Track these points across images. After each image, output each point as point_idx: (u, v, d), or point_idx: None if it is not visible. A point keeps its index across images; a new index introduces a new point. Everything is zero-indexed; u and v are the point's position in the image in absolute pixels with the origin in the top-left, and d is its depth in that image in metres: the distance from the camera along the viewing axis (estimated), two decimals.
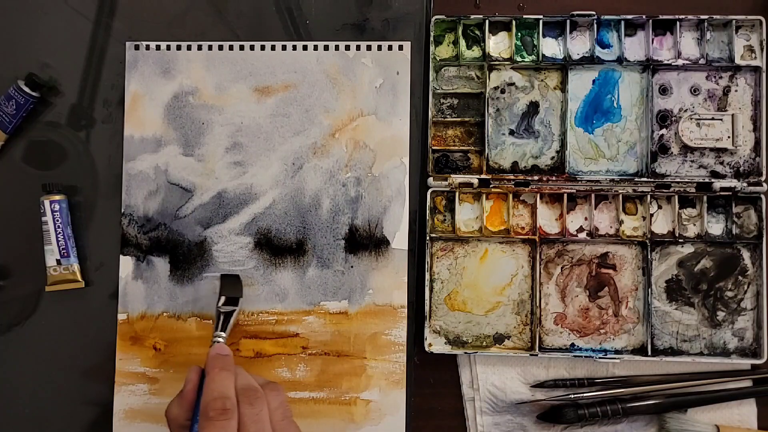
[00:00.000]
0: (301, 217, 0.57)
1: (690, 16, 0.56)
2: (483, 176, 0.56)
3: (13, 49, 0.59)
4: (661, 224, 0.56)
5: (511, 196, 0.56)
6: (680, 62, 0.56)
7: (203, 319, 0.57)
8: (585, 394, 0.54)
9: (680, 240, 0.56)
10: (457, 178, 0.56)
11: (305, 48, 0.57)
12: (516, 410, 0.56)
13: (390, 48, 0.57)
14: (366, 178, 0.57)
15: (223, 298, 0.54)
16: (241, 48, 0.58)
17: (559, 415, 0.54)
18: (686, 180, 0.56)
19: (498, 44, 0.57)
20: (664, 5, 0.57)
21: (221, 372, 0.47)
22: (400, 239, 0.56)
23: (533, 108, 0.57)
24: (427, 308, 0.55)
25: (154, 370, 0.57)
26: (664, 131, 0.56)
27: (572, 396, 0.54)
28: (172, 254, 0.57)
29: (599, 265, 0.56)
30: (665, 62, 0.56)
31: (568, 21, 0.56)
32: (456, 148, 0.57)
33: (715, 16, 0.56)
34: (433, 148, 0.57)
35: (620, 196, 0.56)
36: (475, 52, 0.57)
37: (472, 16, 0.56)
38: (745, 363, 0.55)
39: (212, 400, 0.45)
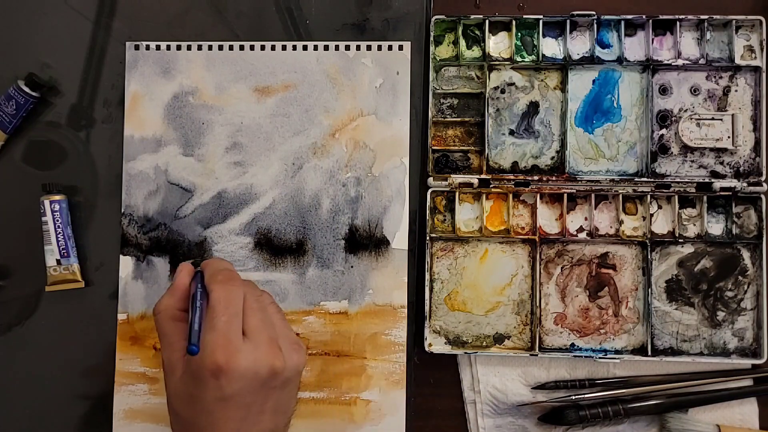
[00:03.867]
0: (301, 217, 0.57)
1: (690, 16, 0.56)
2: (483, 176, 0.56)
3: (13, 49, 0.59)
4: (661, 224, 0.56)
5: (511, 196, 0.56)
6: (680, 62, 0.56)
7: None
8: (586, 395, 0.54)
9: (680, 240, 0.55)
10: (457, 178, 0.56)
11: (305, 48, 0.57)
12: (517, 412, 0.56)
13: (390, 48, 0.57)
14: (366, 178, 0.57)
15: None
16: (241, 48, 0.58)
17: (561, 416, 0.54)
18: (686, 180, 0.56)
19: (498, 44, 0.57)
20: (664, 5, 0.57)
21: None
22: (400, 239, 0.56)
23: (533, 108, 0.57)
24: (427, 308, 0.55)
25: (154, 370, 0.56)
26: (664, 131, 0.56)
27: (573, 397, 0.54)
28: (172, 254, 0.57)
29: (599, 265, 0.56)
30: (665, 62, 0.56)
31: (568, 21, 0.56)
32: (456, 148, 0.57)
33: (715, 16, 0.56)
34: (433, 148, 0.57)
35: (620, 196, 0.56)
36: (475, 52, 0.57)
37: (472, 16, 0.56)
38: (746, 363, 0.55)
39: (221, 268, 0.44)
